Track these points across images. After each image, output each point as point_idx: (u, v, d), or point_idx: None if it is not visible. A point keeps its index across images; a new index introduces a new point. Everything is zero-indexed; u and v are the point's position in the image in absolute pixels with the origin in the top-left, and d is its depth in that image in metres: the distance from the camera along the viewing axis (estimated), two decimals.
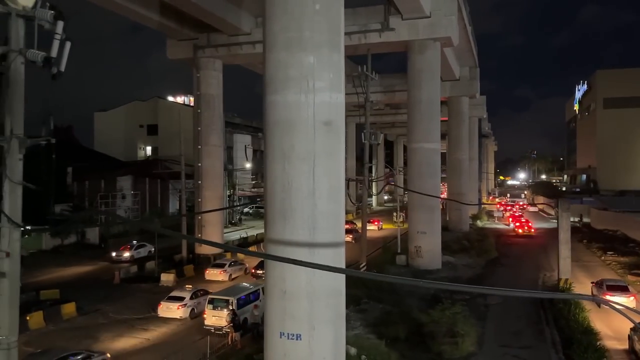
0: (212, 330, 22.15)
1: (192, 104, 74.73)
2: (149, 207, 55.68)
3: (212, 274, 32.77)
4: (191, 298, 24.85)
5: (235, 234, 51.15)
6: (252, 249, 40.43)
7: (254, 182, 75.18)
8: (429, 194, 32.59)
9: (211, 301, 23.03)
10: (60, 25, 8.16)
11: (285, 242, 13.65)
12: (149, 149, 70.33)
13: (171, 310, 24.26)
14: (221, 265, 33.27)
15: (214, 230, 39.50)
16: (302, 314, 13.63)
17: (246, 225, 60.60)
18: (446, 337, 19.73)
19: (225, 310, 22.34)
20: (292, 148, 13.64)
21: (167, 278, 31.85)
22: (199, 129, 39.42)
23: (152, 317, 24.88)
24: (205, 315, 22.98)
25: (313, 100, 13.53)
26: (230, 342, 21.17)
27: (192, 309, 24.60)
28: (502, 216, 72.78)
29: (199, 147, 39.63)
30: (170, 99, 73.55)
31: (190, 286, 26.93)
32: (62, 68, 8.62)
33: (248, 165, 70.14)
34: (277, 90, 13.81)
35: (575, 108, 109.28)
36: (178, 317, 24.11)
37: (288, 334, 13.62)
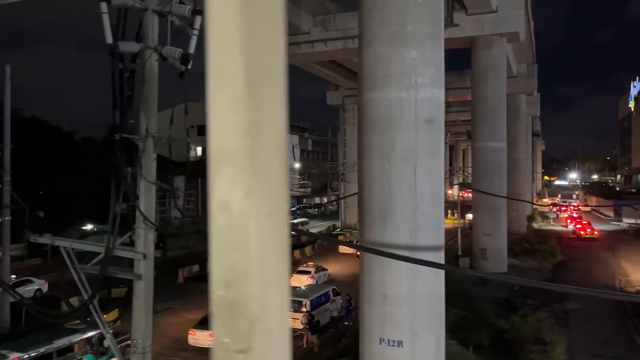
0: None
1: None
2: (201, 207, 56.25)
3: (344, 248, 40.40)
4: (315, 272, 31.56)
5: None
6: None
7: (301, 182, 75.24)
8: (495, 194, 31.60)
9: None
10: (198, 20, 7.90)
11: (385, 244, 13.14)
12: (199, 149, 71.21)
13: (301, 280, 30.01)
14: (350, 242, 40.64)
15: None
16: (404, 320, 13.11)
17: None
18: (535, 345, 18.88)
19: (299, 311, 22.08)
20: (392, 147, 13.14)
21: None
22: None
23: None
24: None
25: (415, 97, 12.99)
26: (305, 345, 20.87)
27: (316, 281, 31.07)
28: (556, 217, 70.31)
29: None
30: None
31: (312, 263, 33.58)
32: (190, 65, 8.39)
33: (297, 165, 70.19)
34: (376, 87, 13.34)
35: (630, 105, 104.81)
36: None
37: (389, 340, 13.12)
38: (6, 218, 20.93)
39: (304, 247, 44.87)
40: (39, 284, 29.65)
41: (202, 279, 32.87)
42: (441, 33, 13.76)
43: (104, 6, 7.35)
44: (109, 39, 7.43)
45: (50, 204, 37.77)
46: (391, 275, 13.14)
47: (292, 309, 22.35)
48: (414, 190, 13.04)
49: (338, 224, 60.68)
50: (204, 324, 20.34)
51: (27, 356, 15.14)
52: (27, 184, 26.35)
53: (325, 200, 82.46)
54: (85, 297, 8.42)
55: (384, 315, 13.27)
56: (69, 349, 14.80)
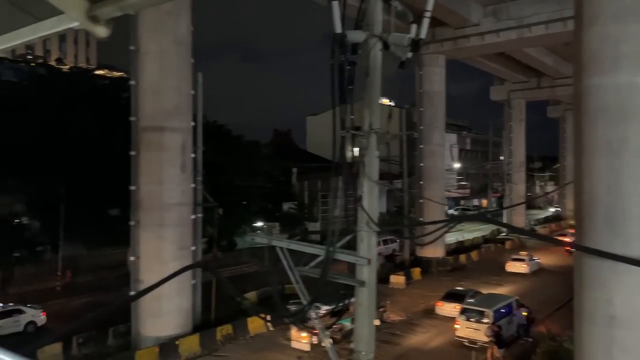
0: (465, 343, 20.46)
1: (387, 104, 74.76)
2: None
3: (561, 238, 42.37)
4: (529, 260, 35.58)
5: (450, 237, 48.95)
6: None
7: (460, 182, 72.04)
8: None
9: (463, 311, 21.34)
10: (431, 1, 7.11)
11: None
12: (356, 150, 72.06)
13: (517, 267, 35.34)
14: (565, 235, 43.46)
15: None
16: (639, 347, 11.01)
17: (455, 228, 57.92)
18: None
19: (480, 322, 20.46)
20: (623, 141, 11.10)
21: (396, 280, 31.26)
22: (421, 127, 38.21)
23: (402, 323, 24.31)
24: (457, 326, 21.37)
25: None
26: (489, 359, 19.19)
27: (530, 268, 35.12)
28: None
29: (421, 146, 38.43)
30: None
31: (525, 252, 37.14)
32: (409, 55, 7.61)
33: (456, 165, 67.30)
34: (601, 71, 11.40)
35: None
36: (522, 272, 34.86)
37: None
38: (198, 215, 22.55)
39: (469, 251, 43.00)
40: (32, 315, 22.57)
41: None
42: None
43: None
44: (338, 28, 6.95)
45: (227, 202, 40.66)
46: (621, 293, 11.11)
47: (473, 319, 20.82)
48: None
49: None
50: (448, 297, 25.09)
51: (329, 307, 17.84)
52: (211, 184, 28.36)
53: (484, 202, 77.91)
54: (304, 302, 8.14)
55: (612, 340, 11.27)
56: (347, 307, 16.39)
